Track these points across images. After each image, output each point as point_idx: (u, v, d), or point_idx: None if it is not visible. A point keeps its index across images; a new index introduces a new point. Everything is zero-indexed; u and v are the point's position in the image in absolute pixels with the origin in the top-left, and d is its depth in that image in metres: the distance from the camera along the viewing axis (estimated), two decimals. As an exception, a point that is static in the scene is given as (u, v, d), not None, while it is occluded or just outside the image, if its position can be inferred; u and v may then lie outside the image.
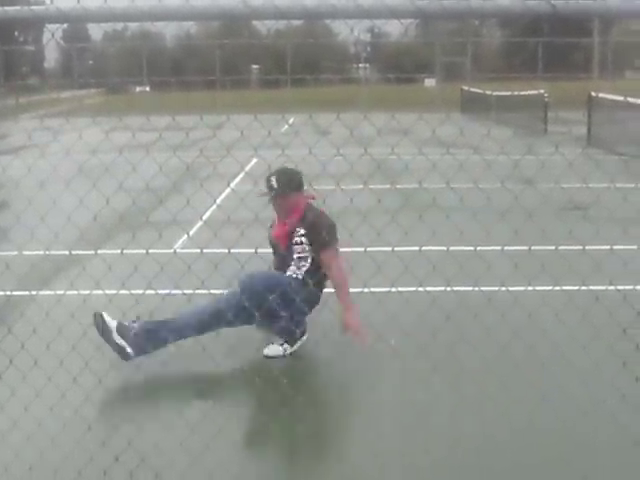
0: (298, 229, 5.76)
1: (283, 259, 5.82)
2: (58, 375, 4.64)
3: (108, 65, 63.99)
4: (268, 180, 5.79)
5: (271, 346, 5.65)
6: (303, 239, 5.73)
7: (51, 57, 65.11)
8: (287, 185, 5.74)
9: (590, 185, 5.32)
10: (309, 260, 5.75)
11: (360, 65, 57.22)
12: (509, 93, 28.32)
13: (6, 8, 3.07)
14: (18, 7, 3.09)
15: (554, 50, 44.44)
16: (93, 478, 3.92)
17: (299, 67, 44.35)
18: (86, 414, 4.44)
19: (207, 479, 3.89)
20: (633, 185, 6.25)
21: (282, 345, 5.65)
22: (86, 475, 3.95)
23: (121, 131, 7.24)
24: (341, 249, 5.21)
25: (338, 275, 5.60)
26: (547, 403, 4.69)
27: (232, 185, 6.38)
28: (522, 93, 26.54)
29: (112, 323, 5.08)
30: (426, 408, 4.54)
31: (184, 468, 4.08)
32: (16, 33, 59.71)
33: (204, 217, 8.15)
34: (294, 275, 5.73)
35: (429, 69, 50.02)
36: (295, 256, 5.76)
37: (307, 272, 5.71)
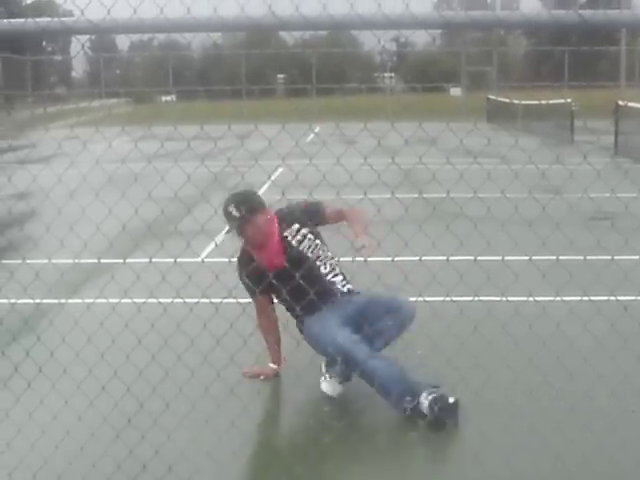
0: (288, 234, 5.38)
1: (307, 281, 4.95)
2: (87, 384, 4.67)
3: (135, 75, 64.44)
4: (226, 211, 5.23)
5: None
6: (305, 232, 5.37)
7: (79, 67, 65.66)
8: (250, 208, 5.22)
9: (618, 194, 5.29)
10: (336, 262, 5.40)
11: (386, 74, 57.21)
12: (535, 102, 28.23)
13: (37, 20, 3.10)
14: (49, 18, 3.13)
15: (581, 58, 44.23)
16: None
17: (325, 76, 44.39)
18: (114, 423, 4.47)
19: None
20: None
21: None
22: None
23: (149, 140, 7.27)
24: (369, 258, 5.22)
25: (354, 211, 5.27)
26: (575, 414, 4.67)
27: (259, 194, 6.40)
28: (549, 102, 26.45)
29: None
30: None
31: (210, 476, 4.10)
32: (44, 43, 60.26)
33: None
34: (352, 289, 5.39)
35: (455, 78, 49.92)
36: (326, 268, 5.37)
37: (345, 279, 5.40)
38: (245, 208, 5.18)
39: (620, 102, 22.02)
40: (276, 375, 5.56)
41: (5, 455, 4.26)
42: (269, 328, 5.56)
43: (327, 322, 5.04)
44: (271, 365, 5.58)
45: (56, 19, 3.11)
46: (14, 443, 4.31)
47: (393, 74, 57.39)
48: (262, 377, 5.53)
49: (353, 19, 2.97)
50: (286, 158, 5.21)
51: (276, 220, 5.37)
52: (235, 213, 5.17)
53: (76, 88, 60.92)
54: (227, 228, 5.29)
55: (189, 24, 3.08)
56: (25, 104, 45.50)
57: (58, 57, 60.62)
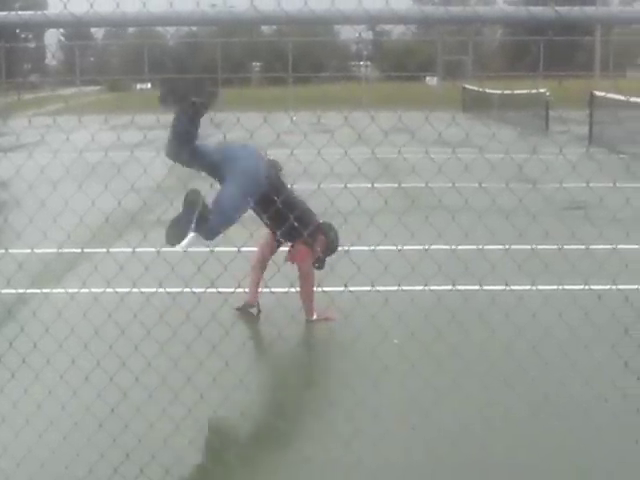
0: None
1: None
2: (70, 374, 4.71)
3: (109, 62, 64.00)
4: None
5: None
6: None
7: (52, 54, 65.13)
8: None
9: (592, 185, 5.38)
10: None
11: (362, 63, 57.16)
12: (511, 92, 28.36)
13: (20, 12, 3.14)
14: (31, 12, 3.16)
15: (556, 49, 44.44)
16: (105, 476, 3.99)
17: (301, 65, 44.34)
18: (97, 412, 4.51)
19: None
20: (635, 185, 6.31)
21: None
22: (97, 473, 4.02)
23: (127, 129, 7.30)
24: (348, 248, 5.29)
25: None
26: (550, 402, 4.77)
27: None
28: (524, 92, 26.57)
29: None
30: (430, 406, 4.61)
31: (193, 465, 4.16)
32: (17, 30, 59.60)
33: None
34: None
35: (431, 67, 50.02)
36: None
37: None
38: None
39: (596, 92, 22.18)
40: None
41: (-10, 445, 4.30)
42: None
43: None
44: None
45: (39, 12, 3.14)
46: (-2, 433, 4.35)
47: (369, 63, 57.36)
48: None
49: (334, 14, 3.03)
50: (265, 147, 5.27)
51: None
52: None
53: (51, 76, 60.42)
54: None
55: (171, 18, 3.14)
56: (-1, 92, 45.11)
57: (32, 44, 60.07)
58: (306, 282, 6.21)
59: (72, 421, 4.48)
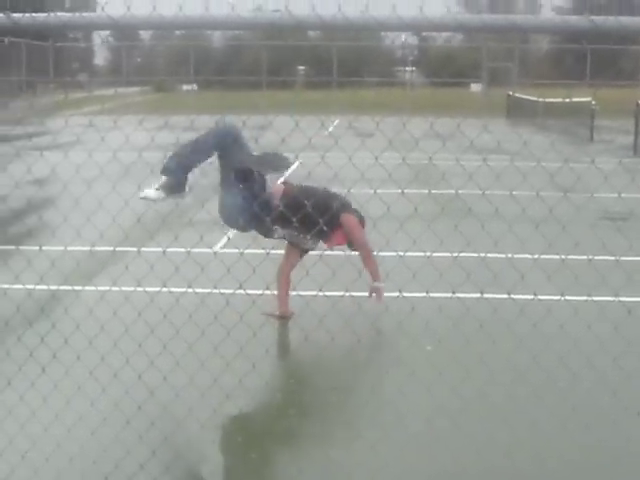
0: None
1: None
2: (99, 370, 4.79)
3: (156, 63, 64.55)
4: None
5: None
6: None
7: (100, 54, 65.83)
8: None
9: (629, 195, 5.35)
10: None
11: (406, 68, 57.04)
12: (556, 100, 28.12)
13: (59, 14, 3.21)
14: (70, 14, 3.23)
15: (602, 57, 43.97)
16: (131, 472, 4.04)
17: (345, 69, 44.36)
18: (125, 409, 4.57)
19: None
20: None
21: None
22: (124, 469, 4.08)
23: (167, 131, 7.37)
24: (377, 253, 5.32)
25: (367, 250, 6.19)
26: (578, 414, 4.74)
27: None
28: (569, 100, 26.35)
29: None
30: (456, 414, 4.61)
31: (217, 464, 4.20)
32: (66, 30, 60.15)
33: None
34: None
35: (476, 74, 49.76)
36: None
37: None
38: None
39: (640, 102, 21.92)
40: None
41: (19, 439, 4.37)
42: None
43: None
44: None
45: (77, 14, 3.20)
46: (28, 427, 4.42)
47: (414, 68, 57.20)
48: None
49: (368, 20, 3.04)
50: (303, 151, 5.30)
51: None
52: None
53: (98, 75, 61.11)
54: None
55: (207, 22, 3.18)
56: (47, 90, 45.70)
57: (81, 44, 60.74)
58: (365, 252, 6.19)
59: (101, 417, 4.55)
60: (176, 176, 5.69)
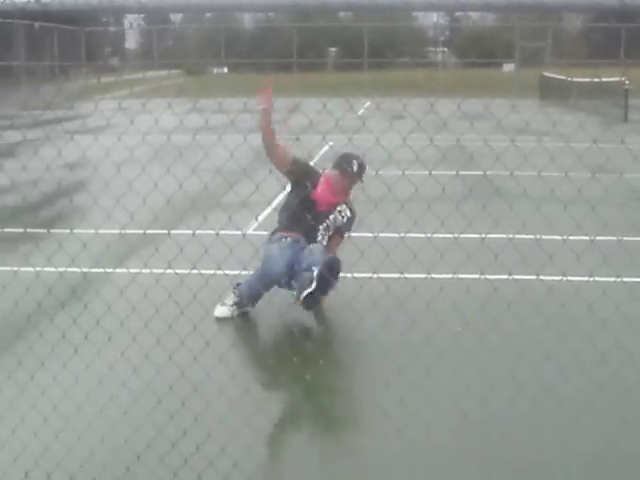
0: (343, 208, 6.46)
1: (311, 220, 6.24)
2: (131, 351, 4.85)
3: (187, 46, 64.69)
4: (351, 162, 6.35)
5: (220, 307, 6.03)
6: (341, 217, 6.43)
7: (132, 38, 66.09)
8: (360, 174, 6.40)
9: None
10: (329, 233, 6.44)
11: (438, 49, 56.73)
12: (589, 80, 27.84)
13: (89, 0, 3.25)
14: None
15: (636, 36, 43.37)
16: (163, 451, 4.11)
17: (376, 51, 44.16)
18: (156, 389, 4.64)
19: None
20: None
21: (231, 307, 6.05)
22: (155, 448, 4.15)
23: (197, 113, 7.42)
24: (404, 235, 5.33)
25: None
26: (605, 394, 4.74)
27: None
28: (602, 80, 26.07)
29: None
30: (484, 394, 4.62)
31: (246, 445, 4.26)
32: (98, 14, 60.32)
33: (272, 203, 8.34)
34: (322, 242, 6.36)
35: (508, 54, 49.32)
36: (323, 225, 6.37)
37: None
38: (360, 171, 6.36)
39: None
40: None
41: (52, 417, 4.45)
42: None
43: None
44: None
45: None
46: (60, 406, 4.50)
47: (446, 49, 56.85)
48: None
49: (396, 3, 3.05)
50: (332, 132, 5.32)
51: (349, 197, 6.56)
52: (355, 167, 6.33)
53: (129, 59, 61.36)
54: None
55: (234, 4, 3.21)
56: (79, 75, 45.99)
57: (112, 28, 61.00)
58: None
59: (132, 397, 4.62)
60: (248, 303, 6.02)
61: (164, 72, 51.05)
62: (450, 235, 5.34)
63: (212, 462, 3.96)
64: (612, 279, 5.66)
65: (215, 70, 49.70)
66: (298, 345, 5.61)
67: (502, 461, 4.21)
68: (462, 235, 5.82)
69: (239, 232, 5.36)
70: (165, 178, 4.89)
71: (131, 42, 66.19)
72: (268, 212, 8.53)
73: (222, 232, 4.96)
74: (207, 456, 4.02)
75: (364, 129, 4.62)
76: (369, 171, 6.28)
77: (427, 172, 4.49)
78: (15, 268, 6.21)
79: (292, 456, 4.33)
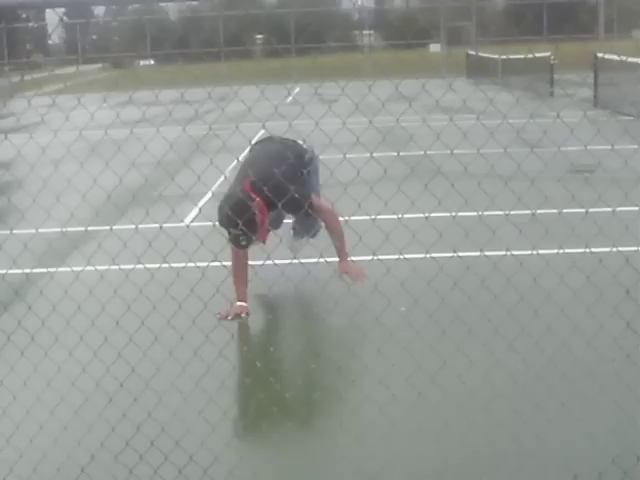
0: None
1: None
2: (79, 350, 4.79)
3: (112, 40, 63.83)
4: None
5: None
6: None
7: (54, 33, 64.92)
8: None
9: (593, 147, 5.39)
10: None
11: (364, 32, 56.83)
12: (515, 57, 28.22)
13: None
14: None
15: (558, 11, 44.08)
16: (115, 450, 4.06)
17: (303, 36, 44.11)
18: (107, 387, 4.58)
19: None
20: (636, 146, 6.31)
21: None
22: (109, 447, 4.10)
23: (129, 107, 7.31)
24: (347, 218, 5.36)
25: (337, 228, 6.43)
26: (554, 364, 4.82)
27: (240, 158, 6.51)
28: (528, 56, 26.47)
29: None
30: (436, 371, 4.67)
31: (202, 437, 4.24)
32: (18, 10, 59.30)
33: (213, 189, 8.27)
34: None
35: (433, 34, 49.70)
36: None
37: None
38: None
39: (599, 54, 22.04)
40: (247, 313, 6.10)
41: (2, 421, 4.38)
42: (239, 271, 6.20)
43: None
44: (238, 303, 6.10)
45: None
46: (10, 410, 4.42)
47: (372, 32, 57.02)
48: (232, 316, 6.03)
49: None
50: (266, 120, 5.30)
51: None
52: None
53: (53, 55, 60.33)
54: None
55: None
56: (2, 73, 45.05)
57: (33, 24, 59.90)
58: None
59: (82, 397, 4.55)
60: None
61: (89, 67, 50.31)
62: (394, 216, 5.35)
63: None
64: (554, 251, 5.75)
65: (142, 62, 49.18)
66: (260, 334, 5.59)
67: (456, 435, 4.27)
68: (406, 215, 5.85)
69: (183, 224, 5.33)
70: (103, 173, 4.82)
71: (54, 37, 65.04)
72: (209, 199, 8.41)
73: (165, 225, 4.91)
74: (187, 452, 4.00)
75: (299, 115, 4.60)
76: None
77: (368, 154, 4.50)
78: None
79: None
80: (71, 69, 46.97)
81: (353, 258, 5.85)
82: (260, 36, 57.52)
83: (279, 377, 5.20)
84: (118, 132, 6.16)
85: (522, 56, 26.11)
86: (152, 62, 48.80)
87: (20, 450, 4.10)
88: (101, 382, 4.62)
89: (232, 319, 5.97)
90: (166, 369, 4.77)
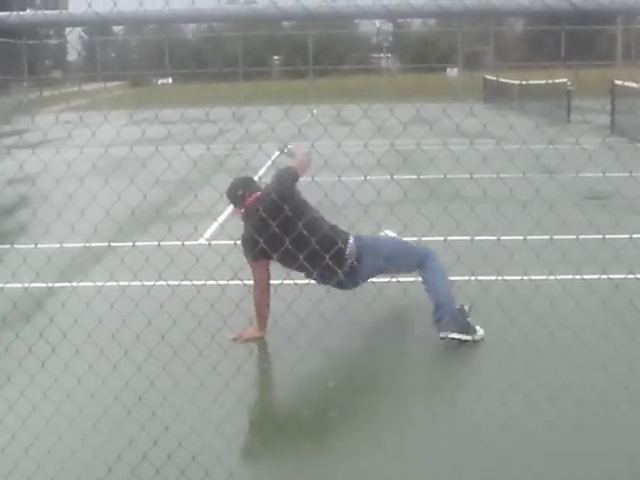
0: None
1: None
2: (99, 364, 4.84)
3: (130, 57, 64.25)
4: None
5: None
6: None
7: (74, 50, 65.39)
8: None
9: (610, 174, 5.43)
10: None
11: (382, 55, 57.01)
12: (532, 82, 28.26)
13: (46, 12, 3.25)
14: (57, 11, 3.26)
15: (577, 38, 44.18)
16: (132, 463, 4.11)
17: (321, 58, 44.31)
18: (126, 401, 4.63)
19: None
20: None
21: None
22: (126, 459, 4.14)
23: (150, 124, 7.39)
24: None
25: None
26: (569, 388, 4.84)
27: (259, 174, 6.60)
28: (545, 82, 26.49)
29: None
30: (452, 394, 4.70)
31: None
32: (38, 28, 59.46)
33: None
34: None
35: (452, 59, 49.85)
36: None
37: None
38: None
39: (616, 82, 22.06)
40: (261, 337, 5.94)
41: (21, 432, 4.42)
42: (262, 299, 5.91)
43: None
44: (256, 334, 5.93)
45: (64, 11, 3.24)
46: (29, 421, 4.47)
47: (389, 55, 57.22)
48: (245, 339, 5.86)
49: (352, 9, 3.13)
50: (284, 140, 5.36)
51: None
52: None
53: (72, 72, 60.73)
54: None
55: (193, 15, 3.23)
56: (20, 89, 45.35)
57: (53, 41, 60.33)
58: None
59: (101, 409, 4.60)
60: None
61: (108, 84, 50.62)
62: (414, 238, 5.41)
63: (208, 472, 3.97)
64: (571, 276, 5.79)
65: (160, 81, 49.49)
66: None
67: (471, 458, 4.30)
68: (424, 238, 5.90)
69: (204, 241, 5.39)
70: (127, 189, 4.90)
71: (73, 54, 65.53)
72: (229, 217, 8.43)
73: (187, 242, 4.98)
74: (179, 465, 4.03)
75: (317, 136, 4.66)
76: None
77: (389, 176, 4.57)
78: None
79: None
80: (89, 86, 47.25)
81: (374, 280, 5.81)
82: (277, 57, 57.79)
83: (296, 395, 5.24)
84: (142, 149, 6.23)
85: (539, 82, 26.14)
86: (170, 80, 49.08)
87: (38, 461, 4.14)
88: (120, 395, 4.66)
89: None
90: (185, 384, 4.82)
